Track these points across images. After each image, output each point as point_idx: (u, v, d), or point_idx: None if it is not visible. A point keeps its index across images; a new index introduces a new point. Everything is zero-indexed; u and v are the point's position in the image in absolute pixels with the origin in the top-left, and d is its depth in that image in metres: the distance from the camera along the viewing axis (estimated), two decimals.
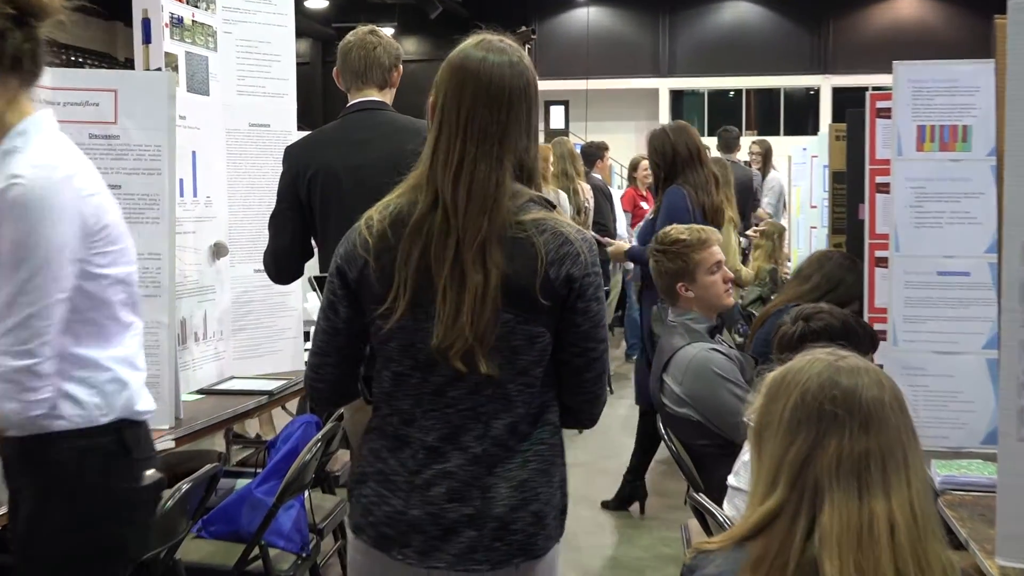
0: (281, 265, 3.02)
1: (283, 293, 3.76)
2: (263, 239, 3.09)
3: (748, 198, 7.67)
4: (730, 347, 3.25)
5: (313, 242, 3.05)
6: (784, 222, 8.10)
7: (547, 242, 1.71)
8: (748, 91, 28.34)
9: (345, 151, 2.97)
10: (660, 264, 3.25)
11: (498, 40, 1.78)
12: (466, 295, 1.69)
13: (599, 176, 7.89)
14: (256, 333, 3.77)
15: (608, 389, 1.85)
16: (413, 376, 1.75)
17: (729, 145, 7.91)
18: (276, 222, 3.01)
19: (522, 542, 1.74)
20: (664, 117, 28.04)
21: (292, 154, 3.04)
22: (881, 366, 1.88)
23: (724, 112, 28.86)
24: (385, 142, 2.97)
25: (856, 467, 1.32)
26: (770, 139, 9.78)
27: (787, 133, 26.78)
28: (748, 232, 6.51)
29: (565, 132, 27.77)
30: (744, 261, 5.91)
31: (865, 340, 2.62)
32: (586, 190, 6.89)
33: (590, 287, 1.74)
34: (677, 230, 3.30)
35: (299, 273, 3.09)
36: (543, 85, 28.78)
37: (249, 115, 3.73)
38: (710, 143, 8.94)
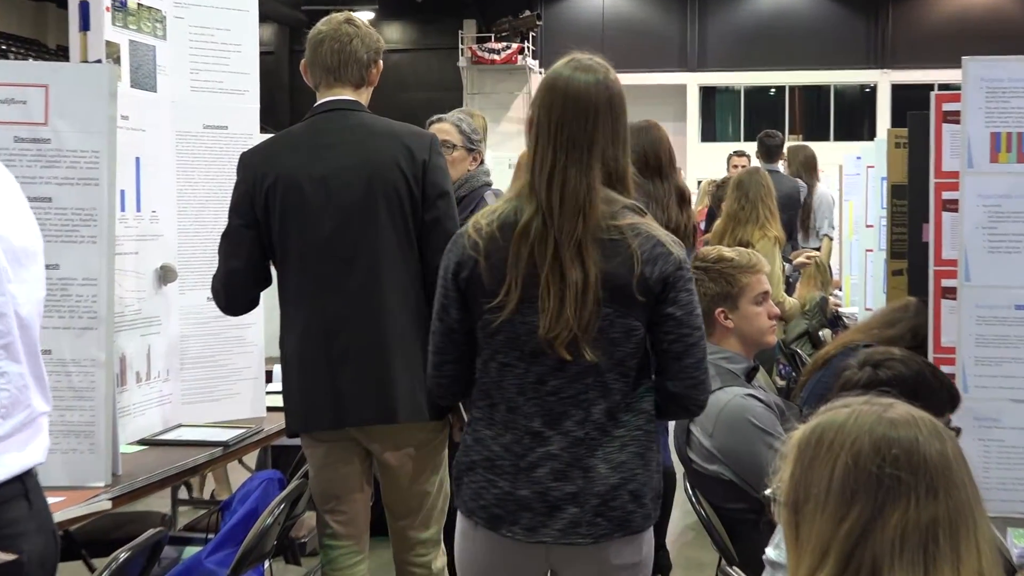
0: (232, 292, 3.05)
1: (242, 325, 3.77)
2: (215, 262, 3.10)
3: (795, 214, 7.69)
4: (764, 390, 3.26)
5: (273, 267, 3.07)
6: (834, 242, 8.13)
7: (641, 244, 2.31)
8: (792, 88, 28.49)
9: (310, 158, 3.00)
10: (700, 284, 3.26)
11: (587, 58, 2.39)
12: (567, 291, 2.27)
13: None
14: (209, 373, 3.77)
15: (708, 381, 2.38)
16: (518, 366, 2.32)
17: (771, 153, 7.94)
18: (228, 241, 3.04)
19: (621, 518, 2.30)
20: (693, 118, 28.23)
21: (249, 161, 3.07)
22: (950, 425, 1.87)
23: (764, 113, 29.02)
24: (357, 148, 3.00)
25: (923, 539, 1.30)
26: (818, 145, 9.84)
27: (838, 138, 26.92)
28: (799, 259, 6.49)
29: None
30: (788, 291, 5.92)
31: (942, 397, 2.52)
32: None
33: (680, 280, 2.33)
34: (722, 248, 3.34)
35: (253, 303, 3.11)
36: None
37: (204, 115, 3.74)
38: (747, 149, 9.02)
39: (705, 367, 2.34)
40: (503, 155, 9.00)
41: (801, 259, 6.58)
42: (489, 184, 4.16)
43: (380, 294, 2.98)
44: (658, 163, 4.40)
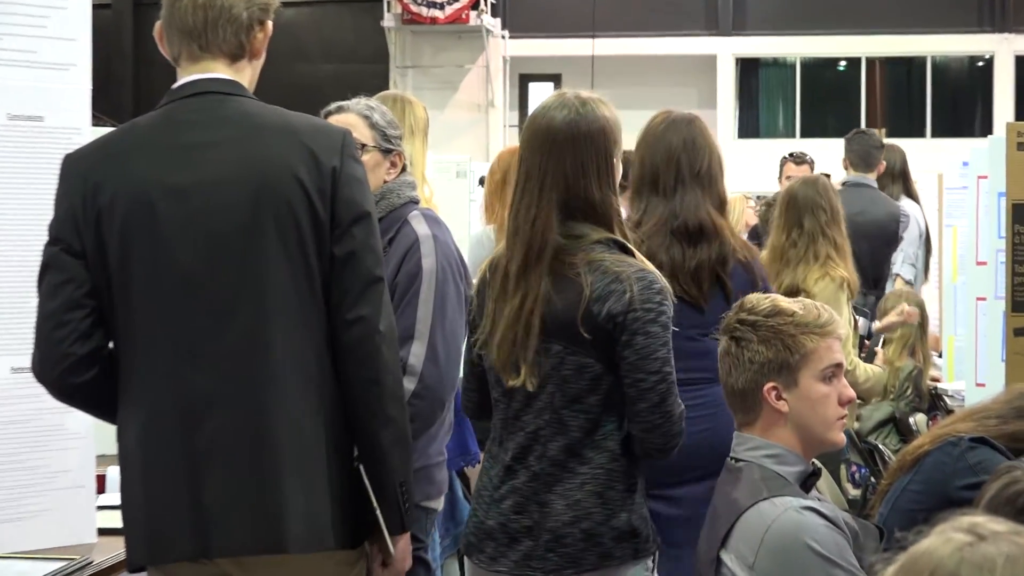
0: (45, 348, 3.05)
1: (60, 410, 3.75)
2: (30, 312, 3.11)
3: (887, 252, 7.76)
4: (829, 503, 3.28)
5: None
6: (926, 287, 8.19)
7: (595, 280, 3.28)
8: (870, 61, 28.79)
9: (167, 165, 3.03)
10: (746, 346, 3.28)
11: (572, 93, 3.44)
12: (508, 317, 3.34)
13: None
14: (11, 479, 3.76)
15: (674, 426, 3.35)
16: (501, 401, 3.45)
17: (870, 159, 8.00)
18: (46, 277, 3.06)
19: (572, 555, 3.30)
20: (726, 103, 28.44)
21: (75, 167, 3.10)
22: None
23: (829, 94, 29.21)
24: (237, 151, 3.03)
25: None
26: (907, 144, 9.94)
27: (937, 134, 27.19)
28: (891, 317, 6.51)
29: None
30: (862, 351, 5.97)
31: None
32: None
33: (635, 322, 3.27)
34: (778, 298, 3.34)
35: (82, 369, 3.08)
36: (516, 46, 28.99)
37: (8, 101, 3.77)
38: (809, 150, 9.09)
39: (662, 411, 3.30)
40: (449, 158, 8.99)
41: (892, 317, 6.56)
42: (415, 201, 4.12)
43: (267, 363, 3.00)
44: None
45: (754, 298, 3.36)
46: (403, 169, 4.10)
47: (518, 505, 3.37)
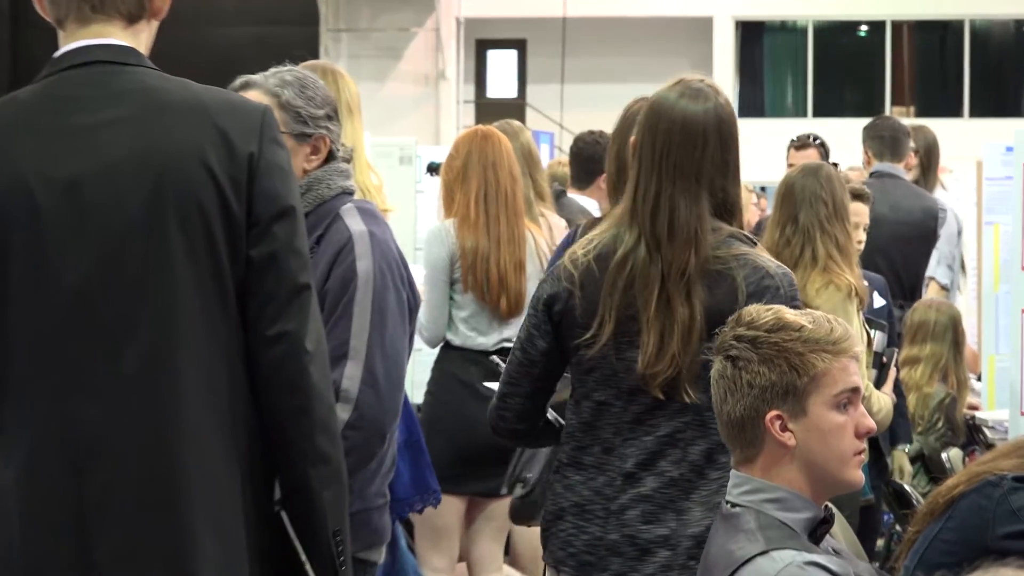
0: None
1: None
2: None
3: (923, 255, 7.78)
4: (841, 556, 3.30)
5: None
6: (962, 296, 8.19)
7: (747, 276, 3.73)
8: (897, 26, 28.91)
9: (49, 149, 3.02)
10: (744, 367, 3.27)
11: (697, 80, 3.87)
12: (675, 327, 3.70)
13: (588, 202, 8.03)
14: None
15: None
16: (615, 405, 3.77)
17: (899, 147, 8.03)
18: None
19: None
20: (724, 75, 28.48)
21: None
22: None
23: (846, 65, 29.24)
24: (134, 133, 3.03)
25: None
26: (942, 124, 9.99)
27: (976, 114, 27.30)
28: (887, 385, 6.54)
29: (519, 105, 28.08)
30: (881, 377, 5.97)
31: None
32: (554, 229, 6.99)
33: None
34: (783, 310, 3.30)
35: None
36: (472, 6, 29.10)
37: None
38: (821, 132, 9.10)
39: None
40: (391, 142, 8.96)
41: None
42: (349, 192, 4.10)
43: (171, 392, 2.99)
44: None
45: (754, 310, 3.35)
46: (330, 155, 4.08)
47: (649, 514, 3.73)
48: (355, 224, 3.97)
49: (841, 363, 3.24)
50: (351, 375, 3.81)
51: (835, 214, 5.61)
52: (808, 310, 3.43)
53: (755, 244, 3.89)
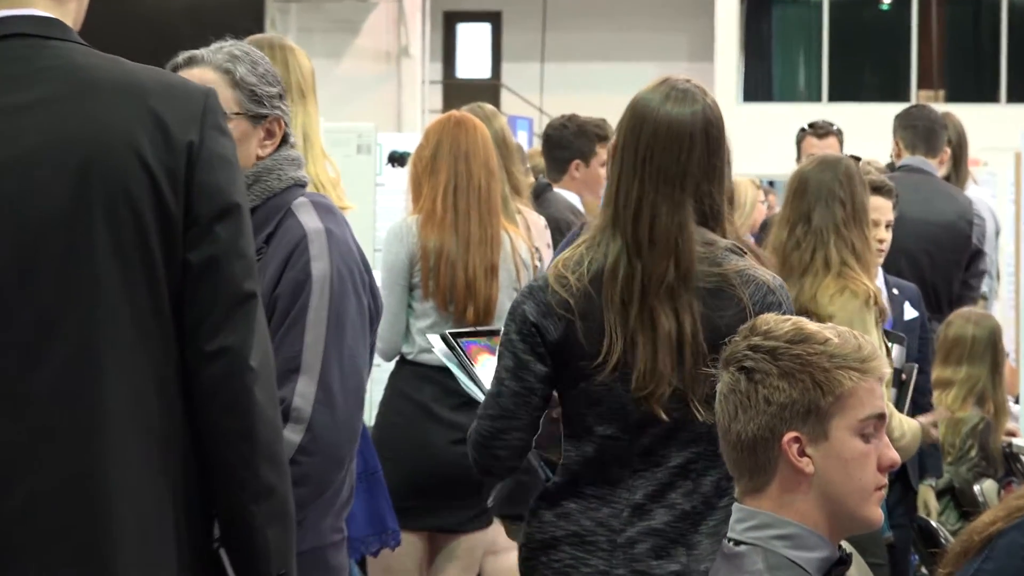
0: None
1: None
2: None
3: (957, 263, 7.80)
4: None
5: None
6: (998, 305, 8.20)
7: (752, 294, 3.93)
8: (924, 0, 28.99)
9: None
10: (759, 381, 3.26)
11: (683, 82, 4.07)
12: (659, 342, 3.88)
13: (573, 197, 8.05)
14: None
15: None
16: (622, 439, 3.95)
17: (935, 140, 8.06)
18: None
19: None
20: (727, 55, 28.56)
21: None
22: None
23: (867, 43, 29.30)
24: (57, 115, 3.03)
25: None
26: (975, 111, 10.01)
27: (1015, 98, 27.40)
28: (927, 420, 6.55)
29: (493, 86, 28.14)
30: (901, 397, 5.98)
31: None
32: (533, 228, 7.00)
33: None
34: (803, 321, 3.28)
35: None
36: None
37: None
38: (835, 118, 9.12)
39: None
40: (347, 127, 8.96)
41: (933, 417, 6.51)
42: (302, 184, 4.08)
43: (95, 409, 2.98)
44: None
45: (771, 319, 3.34)
46: (284, 140, 4.06)
47: (659, 548, 3.95)
48: (310, 221, 3.96)
49: (869, 384, 3.23)
50: (303, 392, 3.78)
51: (853, 217, 5.60)
52: (830, 324, 3.40)
53: (745, 254, 4.09)
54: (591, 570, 3.97)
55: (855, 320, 5.22)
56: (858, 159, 6.35)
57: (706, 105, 4.05)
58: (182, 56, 4.07)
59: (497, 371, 4.12)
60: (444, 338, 4.82)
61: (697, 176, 4.01)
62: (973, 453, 6.65)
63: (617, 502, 3.98)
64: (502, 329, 4.26)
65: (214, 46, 4.08)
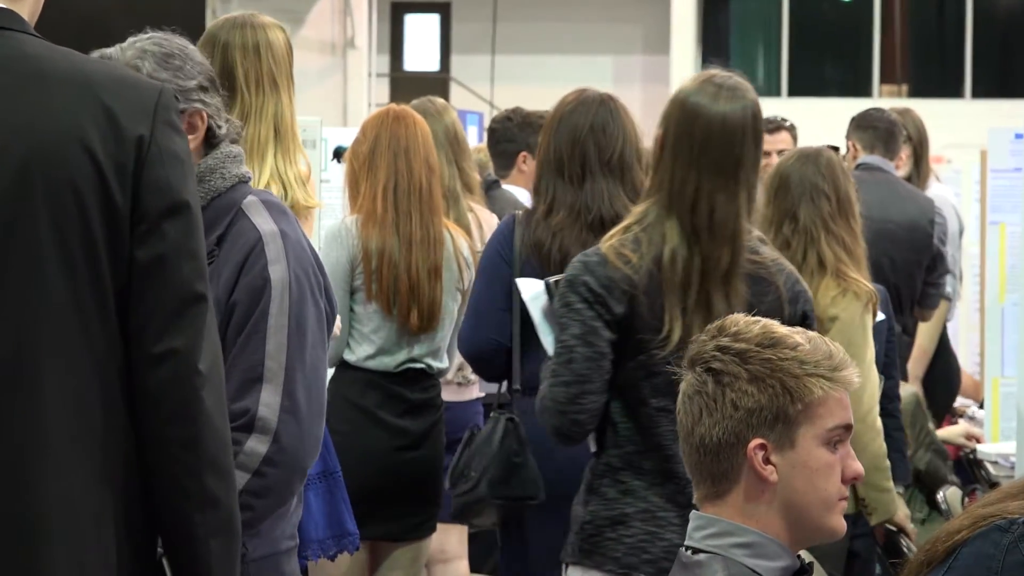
0: None
1: None
2: None
3: (918, 263, 7.83)
4: None
5: None
6: (961, 306, 8.21)
7: (785, 281, 4.60)
8: None
9: None
10: (727, 384, 3.26)
11: (727, 77, 4.60)
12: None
13: (520, 193, 8.13)
14: None
15: None
16: (673, 412, 3.59)
17: (892, 143, 8.11)
18: None
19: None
20: (683, 42, 28.57)
21: None
22: None
23: (828, 36, 29.34)
24: (2, 106, 3.03)
25: None
26: (939, 106, 10.04)
27: (980, 94, 27.42)
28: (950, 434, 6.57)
29: (442, 79, 28.10)
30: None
31: None
32: (485, 226, 7.04)
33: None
34: (774, 324, 3.27)
35: None
36: None
37: None
38: (792, 115, 9.15)
39: None
40: (310, 121, 8.94)
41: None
42: (245, 180, 4.04)
43: (32, 416, 2.98)
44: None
45: (740, 319, 3.35)
46: (210, 133, 4.00)
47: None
48: (263, 222, 3.93)
49: (839, 394, 3.25)
50: (268, 402, 3.75)
51: (839, 210, 5.65)
52: (798, 328, 3.42)
53: (767, 243, 4.75)
54: (667, 543, 4.37)
55: (856, 323, 5.27)
56: (836, 148, 6.39)
57: (751, 99, 4.62)
58: (94, 55, 3.97)
59: (562, 340, 4.58)
60: (548, 285, 5.02)
61: (748, 167, 4.58)
62: (924, 435, 6.68)
63: (677, 478, 4.33)
64: None
65: (127, 41, 4.03)
